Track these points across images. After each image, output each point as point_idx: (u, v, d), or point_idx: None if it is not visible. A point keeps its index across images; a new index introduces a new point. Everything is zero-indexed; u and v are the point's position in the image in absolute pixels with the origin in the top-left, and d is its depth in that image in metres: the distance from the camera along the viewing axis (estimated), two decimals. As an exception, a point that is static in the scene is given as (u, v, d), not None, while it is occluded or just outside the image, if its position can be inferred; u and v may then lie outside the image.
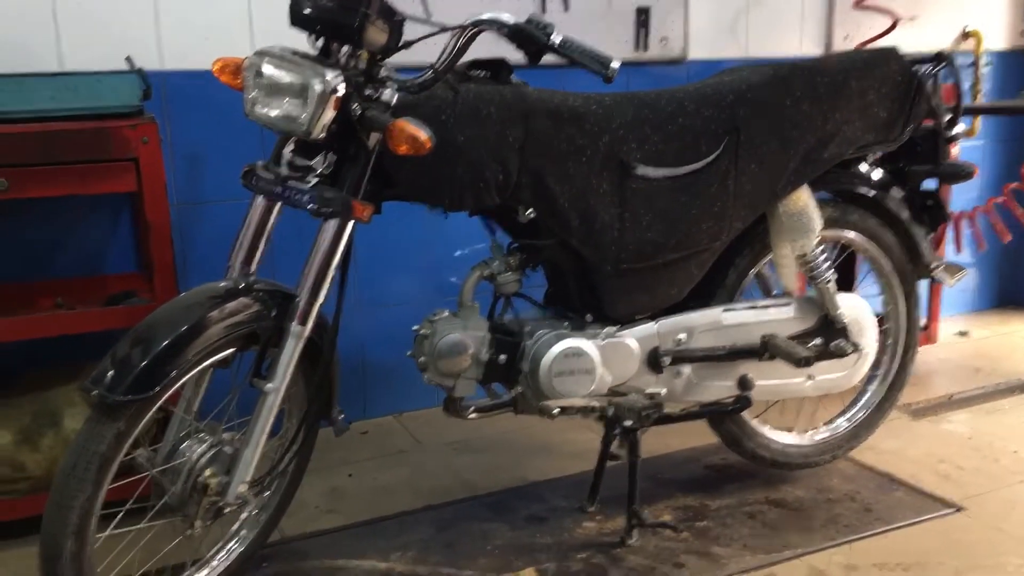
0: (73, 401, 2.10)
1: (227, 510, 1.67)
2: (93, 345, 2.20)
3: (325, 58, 1.61)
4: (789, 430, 2.35)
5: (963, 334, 3.58)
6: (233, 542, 1.90)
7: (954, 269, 2.33)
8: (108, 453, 1.48)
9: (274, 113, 1.59)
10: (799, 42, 3.26)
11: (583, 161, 1.84)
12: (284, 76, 1.57)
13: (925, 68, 2.12)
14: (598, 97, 1.88)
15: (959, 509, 2.18)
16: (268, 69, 1.59)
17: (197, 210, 2.49)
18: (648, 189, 1.91)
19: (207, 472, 1.63)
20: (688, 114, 1.93)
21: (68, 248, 2.38)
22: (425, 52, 1.83)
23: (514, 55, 1.72)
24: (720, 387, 2.12)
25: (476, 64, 1.83)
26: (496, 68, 1.83)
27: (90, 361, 2.16)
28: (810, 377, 2.19)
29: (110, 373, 1.48)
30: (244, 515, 1.89)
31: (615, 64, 1.65)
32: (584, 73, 1.70)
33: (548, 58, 1.66)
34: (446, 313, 1.91)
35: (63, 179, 1.98)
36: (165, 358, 1.50)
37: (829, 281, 2.14)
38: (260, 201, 1.71)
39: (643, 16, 2.95)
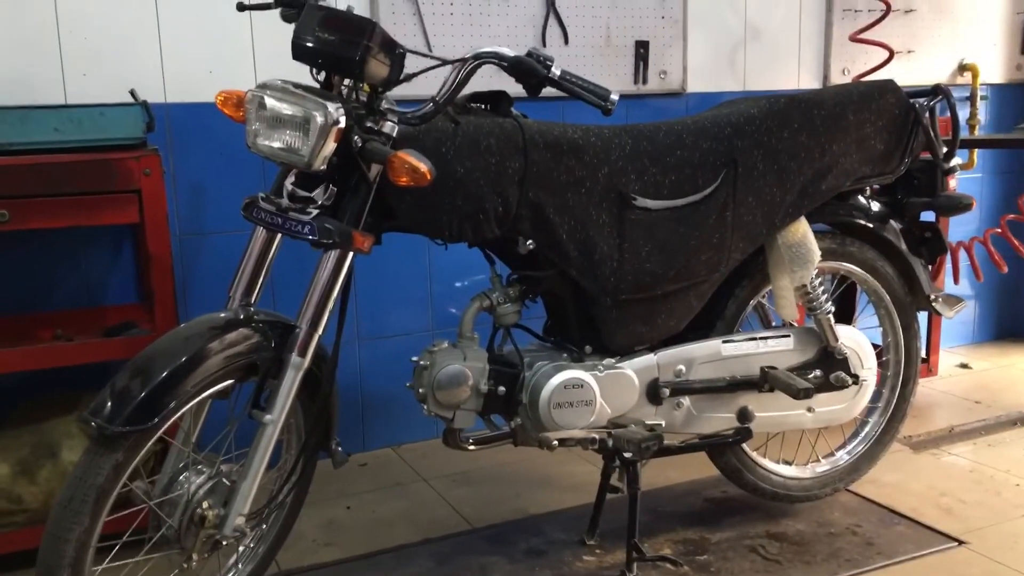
0: (71, 433, 2.10)
1: (224, 543, 1.66)
2: (93, 376, 2.20)
3: (327, 91, 1.63)
4: (789, 463, 2.34)
5: (964, 366, 3.57)
6: (230, 575, 1.88)
7: (953, 301, 2.33)
8: (105, 485, 1.47)
9: (276, 145, 1.61)
10: (796, 75, 3.29)
11: (582, 193, 1.85)
12: (286, 109, 1.58)
13: (922, 101, 2.14)
14: (597, 129, 1.89)
15: (961, 543, 2.16)
16: (270, 102, 1.60)
17: (198, 241, 2.50)
18: (647, 220, 1.92)
19: (205, 504, 1.62)
20: (686, 146, 1.95)
21: (69, 279, 2.38)
22: (426, 85, 1.85)
23: (514, 88, 1.74)
24: (720, 419, 2.11)
25: (476, 97, 1.85)
26: (496, 101, 1.84)
27: (89, 392, 2.17)
28: (810, 409, 2.18)
29: (108, 404, 1.47)
30: (241, 548, 1.88)
31: (614, 97, 1.67)
32: (584, 105, 1.71)
33: (548, 91, 1.68)
34: (445, 344, 1.91)
35: (65, 211, 1.99)
36: (164, 389, 1.50)
37: (828, 313, 2.14)
38: (261, 232, 1.72)
39: (642, 50, 2.98)
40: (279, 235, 1.71)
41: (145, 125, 2.10)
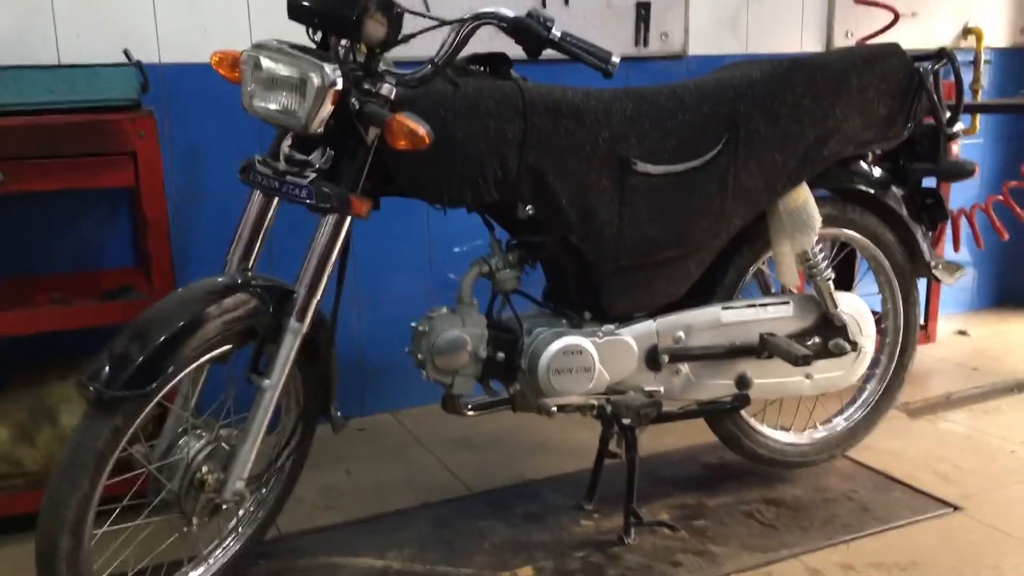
0: (70, 397, 2.10)
1: (224, 507, 1.66)
2: (89, 340, 2.20)
3: (323, 52, 1.60)
4: (787, 429, 2.34)
5: (962, 333, 3.58)
6: (230, 539, 1.89)
7: (953, 268, 2.33)
8: (104, 449, 1.47)
9: (272, 107, 1.59)
10: (800, 38, 3.25)
11: (582, 157, 1.83)
12: (282, 69, 1.56)
13: (927, 65, 2.11)
14: (598, 93, 1.87)
15: (957, 509, 2.17)
16: (266, 62, 1.58)
17: (195, 205, 2.48)
18: (648, 186, 1.90)
19: (204, 468, 1.63)
20: (688, 110, 1.93)
21: (65, 242, 2.37)
22: (424, 46, 1.82)
23: (514, 49, 1.71)
24: (718, 385, 2.12)
25: (475, 58, 1.82)
26: (496, 63, 1.82)
27: (87, 356, 2.16)
28: (808, 376, 2.19)
29: (106, 368, 1.47)
30: (241, 512, 1.89)
31: (615, 59, 1.64)
32: (584, 68, 1.69)
33: (548, 53, 1.65)
34: (444, 310, 1.90)
35: (60, 173, 1.97)
36: (162, 354, 1.49)
37: (828, 279, 2.13)
38: (258, 196, 1.70)
39: (643, 11, 2.94)
40: (276, 199, 1.70)
41: (139, 86, 2.08)
